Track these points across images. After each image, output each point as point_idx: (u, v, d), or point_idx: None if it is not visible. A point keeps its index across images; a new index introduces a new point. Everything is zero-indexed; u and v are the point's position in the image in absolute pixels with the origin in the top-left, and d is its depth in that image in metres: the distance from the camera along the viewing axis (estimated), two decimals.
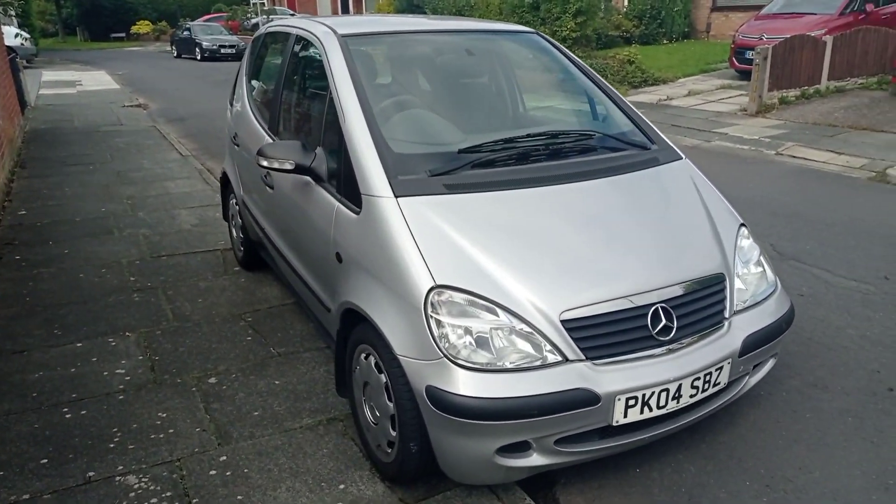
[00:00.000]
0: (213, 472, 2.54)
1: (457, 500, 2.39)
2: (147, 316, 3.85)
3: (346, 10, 40.43)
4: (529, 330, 2.16)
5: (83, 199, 6.24)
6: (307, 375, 3.21)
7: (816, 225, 5.35)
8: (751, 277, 2.67)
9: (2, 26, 10.87)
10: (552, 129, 2.98)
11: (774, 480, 2.54)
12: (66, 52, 29.91)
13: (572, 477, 2.56)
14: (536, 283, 2.24)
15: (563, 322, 2.18)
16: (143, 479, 2.50)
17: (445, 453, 2.23)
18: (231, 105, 4.50)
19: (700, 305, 2.43)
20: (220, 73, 18.55)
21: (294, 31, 3.53)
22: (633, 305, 2.28)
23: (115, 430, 2.80)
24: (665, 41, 19.38)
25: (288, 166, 2.77)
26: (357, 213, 2.53)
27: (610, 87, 3.35)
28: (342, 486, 2.46)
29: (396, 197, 2.41)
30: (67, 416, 2.90)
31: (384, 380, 2.34)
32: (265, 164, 2.79)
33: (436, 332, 2.14)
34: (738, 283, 2.59)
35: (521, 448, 2.19)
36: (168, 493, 2.43)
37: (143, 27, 37.84)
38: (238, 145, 4.14)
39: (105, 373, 3.25)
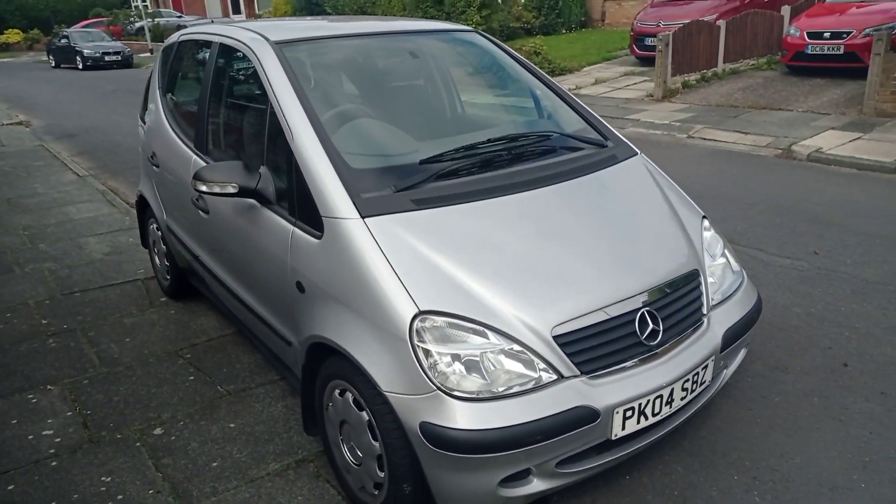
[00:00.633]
0: None
1: None
2: (69, 363, 3.44)
3: (237, 11, 39.01)
4: (520, 349, 2.03)
5: None
6: (264, 414, 2.96)
7: (740, 205, 5.54)
8: (718, 269, 2.66)
9: None
10: (511, 133, 2.86)
11: (760, 471, 2.55)
12: None
13: (564, 493, 2.47)
14: (522, 299, 2.12)
15: (556, 337, 2.07)
16: None
17: (444, 492, 2.07)
18: (143, 121, 4.11)
19: (681, 304, 2.39)
20: (108, 83, 17.40)
21: (216, 38, 3.23)
22: (620, 312, 2.20)
23: None
24: (564, 31, 19.80)
25: (231, 190, 2.51)
26: (318, 238, 2.31)
27: (556, 83, 3.27)
28: None
29: (363, 217, 2.21)
30: None
31: (366, 418, 2.15)
32: (204, 188, 2.52)
33: (425, 362, 1.97)
34: (709, 278, 2.57)
35: (520, 476, 2.07)
36: None
37: (12, 36, 34.89)
38: (157, 166, 3.77)
39: (30, 436, 2.86)
